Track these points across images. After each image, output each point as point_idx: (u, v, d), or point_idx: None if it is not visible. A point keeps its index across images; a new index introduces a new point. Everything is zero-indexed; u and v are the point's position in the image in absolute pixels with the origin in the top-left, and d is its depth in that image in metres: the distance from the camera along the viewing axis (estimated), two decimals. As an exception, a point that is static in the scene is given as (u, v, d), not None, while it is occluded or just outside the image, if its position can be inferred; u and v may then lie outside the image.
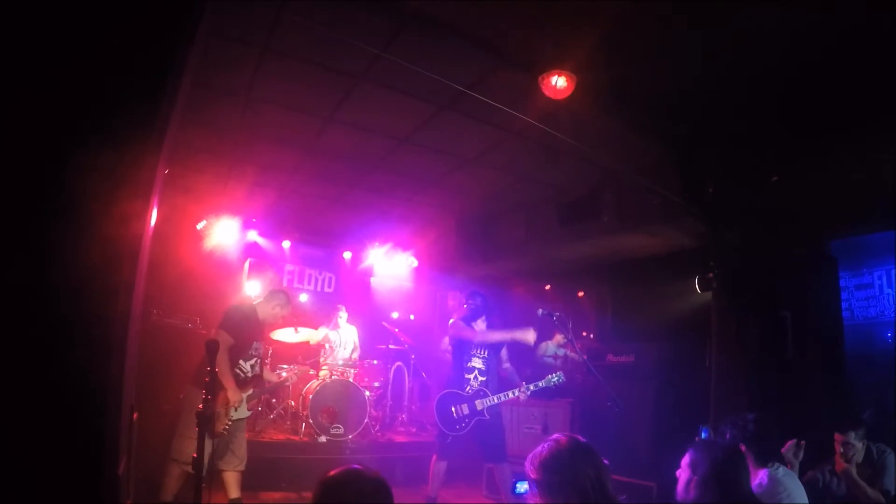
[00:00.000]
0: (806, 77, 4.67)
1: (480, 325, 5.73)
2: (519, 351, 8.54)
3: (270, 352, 8.00)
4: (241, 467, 5.09)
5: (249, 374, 5.07)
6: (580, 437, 2.36)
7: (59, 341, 2.28)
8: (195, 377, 4.82)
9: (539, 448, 2.35)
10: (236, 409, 4.88)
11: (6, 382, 2.17)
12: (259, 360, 5.19)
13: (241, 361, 4.95)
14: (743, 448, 3.40)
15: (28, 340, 2.24)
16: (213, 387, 3.74)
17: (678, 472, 2.86)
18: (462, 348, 5.65)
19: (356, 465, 2.13)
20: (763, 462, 3.37)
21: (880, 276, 7.61)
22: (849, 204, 5.36)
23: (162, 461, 4.76)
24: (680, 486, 2.82)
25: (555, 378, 5.54)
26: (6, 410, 2.17)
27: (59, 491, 2.22)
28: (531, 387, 5.51)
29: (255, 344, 5.07)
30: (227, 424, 4.81)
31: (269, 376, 5.60)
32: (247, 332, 4.97)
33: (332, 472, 2.08)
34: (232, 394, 4.74)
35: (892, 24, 3.85)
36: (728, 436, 3.50)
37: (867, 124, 4.88)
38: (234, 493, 5.03)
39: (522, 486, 3.01)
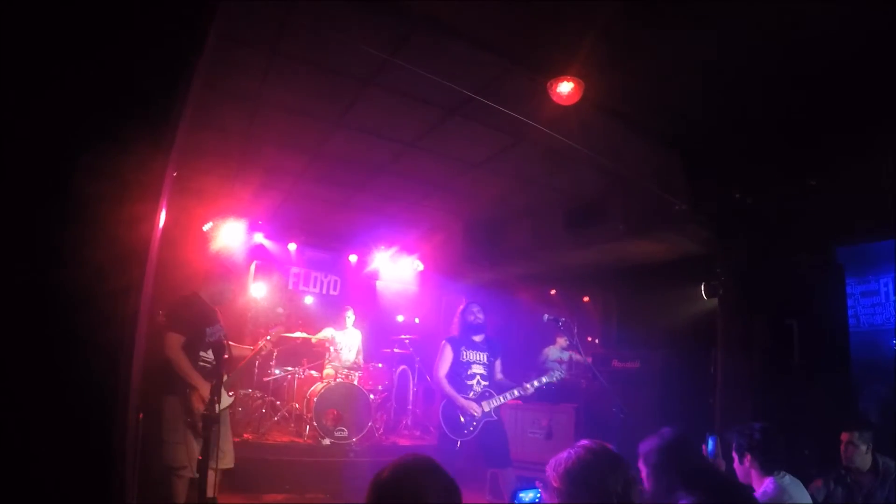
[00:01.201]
0: (813, 84, 4.67)
1: (477, 339, 5.71)
2: (523, 355, 8.56)
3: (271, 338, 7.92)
4: (230, 465, 4.92)
5: (216, 361, 4.92)
6: (610, 446, 2.24)
7: (67, 343, 2.29)
8: (166, 385, 4.68)
9: (565, 454, 2.22)
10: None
11: (15, 384, 2.19)
12: (221, 343, 4.88)
13: (200, 353, 4.76)
14: (749, 457, 3.41)
15: (37, 342, 2.25)
16: (219, 389, 3.72)
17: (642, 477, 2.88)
18: (459, 356, 5.64)
19: (420, 455, 1.78)
20: (769, 470, 3.37)
21: (886, 283, 7.57)
22: (855, 211, 5.35)
23: (157, 469, 4.70)
24: (644, 483, 2.84)
25: (557, 374, 5.57)
26: (15, 412, 2.18)
27: (67, 492, 2.23)
28: (535, 383, 5.50)
29: (208, 330, 4.84)
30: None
31: (241, 351, 5.40)
32: (195, 322, 4.79)
33: (400, 461, 1.73)
34: (203, 390, 4.54)
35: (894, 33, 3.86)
36: (734, 444, 3.51)
37: (874, 131, 4.88)
38: (211, 491, 4.92)
39: (526, 496, 2.96)
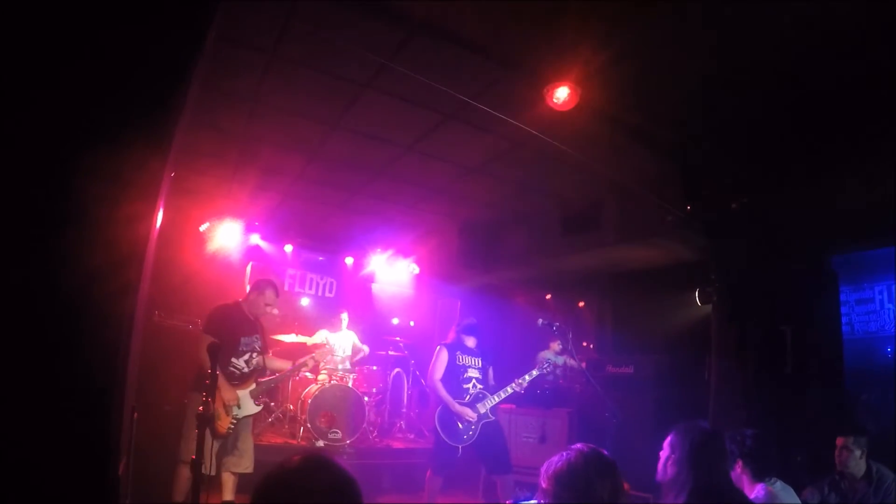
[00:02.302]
0: (808, 92, 4.70)
1: (471, 345, 5.79)
2: (517, 360, 8.57)
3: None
4: (249, 469, 5.06)
5: (246, 370, 5.09)
6: (604, 452, 2.23)
7: (64, 343, 2.29)
8: (194, 382, 4.88)
9: (557, 457, 2.23)
10: (239, 407, 4.90)
11: (11, 383, 2.19)
12: (255, 354, 5.17)
13: (232, 359, 4.98)
14: (741, 463, 3.42)
15: (33, 342, 2.25)
16: (213, 388, 3.76)
17: (661, 453, 2.89)
18: (454, 359, 5.65)
19: (309, 456, 1.64)
20: (760, 477, 3.38)
21: (881, 290, 7.59)
22: (850, 219, 5.37)
23: (161, 461, 4.79)
24: (660, 465, 2.85)
25: (547, 366, 5.74)
26: (11, 410, 2.18)
27: (61, 491, 2.23)
28: (527, 377, 5.56)
29: (244, 339, 5.06)
30: (230, 423, 4.84)
31: (275, 365, 5.53)
32: (231, 330, 4.99)
33: (284, 463, 1.61)
34: (225, 392, 4.79)
35: (893, 41, 3.88)
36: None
37: (870, 139, 4.90)
38: (229, 495, 5.00)
39: None
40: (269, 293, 5.31)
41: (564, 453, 2.22)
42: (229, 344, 4.91)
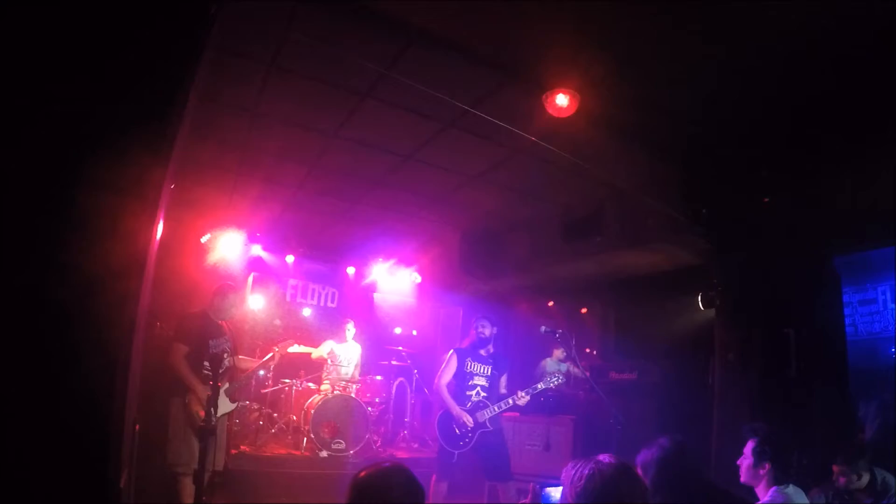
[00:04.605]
0: (808, 94, 4.70)
1: (483, 352, 5.77)
2: (521, 367, 8.55)
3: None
4: (219, 466, 5.26)
5: (219, 370, 5.18)
6: (630, 467, 2.17)
7: (64, 354, 2.29)
8: (172, 389, 5.11)
9: (587, 469, 2.15)
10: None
11: (13, 394, 2.19)
12: (225, 355, 5.37)
13: (204, 362, 5.14)
14: (769, 466, 3.31)
15: (33, 352, 2.25)
16: (216, 400, 3.82)
17: None
18: (463, 366, 5.65)
19: (394, 462, 2.16)
20: (782, 481, 3.28)
21: (884, 291, 7.59)
22: (852, 220, 5.36)
23: (162, 472, 4.83)
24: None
25: (554, 380, 5.61)
26: (11, 421, 2.18)
27: (62, 501, 2.22)
28: (530, 390, 5.54)
29: (211, 342, 5.26)
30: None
31: (245, 364, 5.82)
32: (199, 335, 5.23)
33: (375, 464, 2.11)
34: (202, 393, 4.95)
35: (892, 42, 3.88)
36: (756, 448, 3.37)
37: (870, 140, 4.90)
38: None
39: (556, 492, 2.91)
40: (232, 296, 5.62)
41: (590, 466, 2.15)
42: (199, 349, 5.17)
